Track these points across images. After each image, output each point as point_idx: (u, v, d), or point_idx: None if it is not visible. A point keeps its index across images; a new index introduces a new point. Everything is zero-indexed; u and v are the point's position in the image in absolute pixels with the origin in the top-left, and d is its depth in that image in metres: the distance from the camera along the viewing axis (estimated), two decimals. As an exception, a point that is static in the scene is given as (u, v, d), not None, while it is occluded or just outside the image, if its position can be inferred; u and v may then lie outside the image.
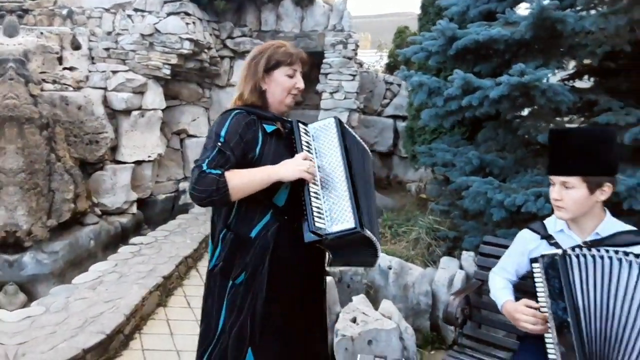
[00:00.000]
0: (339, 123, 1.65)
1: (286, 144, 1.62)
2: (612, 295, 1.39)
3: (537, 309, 1.54)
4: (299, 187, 1.53)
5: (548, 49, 3.18)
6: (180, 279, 3.92)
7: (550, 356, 1.50)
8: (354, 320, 2.28)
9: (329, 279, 2.60)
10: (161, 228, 5.03)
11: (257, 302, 1.53)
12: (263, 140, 1.56)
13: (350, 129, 1.71)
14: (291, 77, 1.62)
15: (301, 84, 1.65)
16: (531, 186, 2.79)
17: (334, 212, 1.47)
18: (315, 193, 1.51)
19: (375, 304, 2.69)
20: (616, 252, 1.39)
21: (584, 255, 1.43)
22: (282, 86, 1.61)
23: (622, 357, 1.37)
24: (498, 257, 1.97)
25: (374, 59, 9.45)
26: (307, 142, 1.63)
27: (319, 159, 1.59)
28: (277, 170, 1.49)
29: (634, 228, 1.60)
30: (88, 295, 3.24)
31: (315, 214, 1.45)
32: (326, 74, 6.31)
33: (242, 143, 1.51)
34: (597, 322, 1.41)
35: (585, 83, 3.83)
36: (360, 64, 7.46)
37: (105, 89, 5.30)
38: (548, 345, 1.50)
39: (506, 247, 1.95)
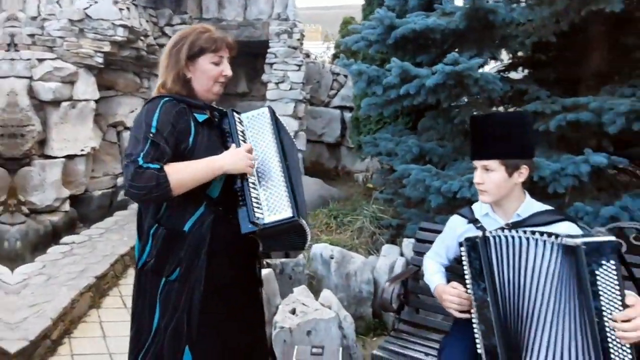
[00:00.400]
0: (273, 112, 1.64)
1: (218, 133, 1.57)
2: (523, 273, 1.43)
3: (466, 291, 1.57)
4: (233, 178, 1.50)
5: (482, 40, 3.27)
6: (116, 278, 3.72)
7: (475, 334, 1.54)
8: (293, 312, 2.25)
9: (268, 270, 2.55)
10: (96, 226, 4.77)
11: (194, 297, 1.48)
12: (196, 130, 1.49)
13: (280, 119, 1.68)
14: (217, 64, 1.54)
15: (228, 72, 1.58)
16: (467, 173, 2.86)
17: (271, 202, 1.48)
18: (253, 183, 1.50)
19: (318, 294, 2.67)
20: (531, 232, 1.43)
21: (500, 237, 1.47)
22: (208, 74, 1.53)
23: (535, 331, 1.42)
24: (433, 243, 2.00)
25: (322, 50, 9.44)
26: (242, 132, 1.60)
27: (255, 149, 1.56)
28: (222, 162, 1.45)
29: (551, 208, 1.67)
30: (11, 300, 3.00)
31: (254, 204, 1.44)
32: (271, 64, 6.22)
33: (175, 133, 1.43)
34: (513, 300, 1.45)
35: (519, 74, 3.99)
36: (307, 55, 7.41)
37: (30, 78, 4.93)
38: (474, 325, 1.54)
39: (441, 232, 1.98)
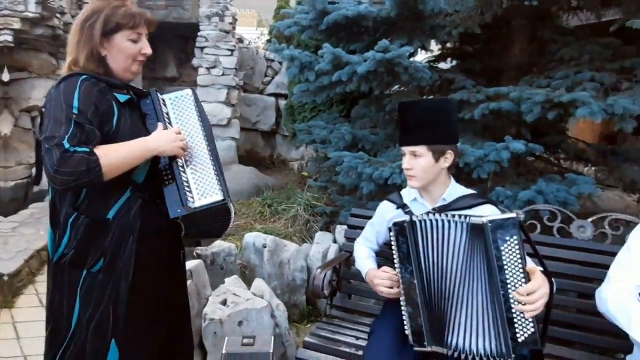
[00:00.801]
0: (194, 92, 1.59)
1: (140, 114, 1.49)
2: (445, 254, 1.48)
3: (395, 274, 1.60)
4: (158, 161, 1.44)
5: (412, 29, 3.33)
6: (31, 275, 3.44)
7: (403, 316, 1.57)
8: (224, 303, 2.18)
9: (197, 262, 2.45)
10: (9, 219, 4.36)
11: (121, 288, 1.40)
12: (119, 111, 1.39)
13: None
14: (135, 41, 1.43)
15: (148, 50, 1.48)
16: (397, 159, 2.91)
17: (200, 185, 1.44)
18: (182, 167, 1.45)
19: (251, 283, 2.62)
20: (452, 215, 1.48)
21: (425, 220, 1.50)
22: (126, 53, 1.42)
23: (455, 309, 1.47)
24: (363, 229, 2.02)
25: (256, 36, 9.24)
26: (166, 114, 1.52)
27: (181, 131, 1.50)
28: (156, 144, 1.38)
29: (474, 192, 1.74)
30: None
31: (185, 188, 1.40)
32: (202, 48, 5.98)
33: (99, 114, 1.33)
34: (436, 281, 1.50)
35: (447, 65, 4.13)
36: (240, 39, 7.21)
37: None
38: (402, 307, 1.57)
39: (372, 218, 2.00)
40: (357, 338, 1.90)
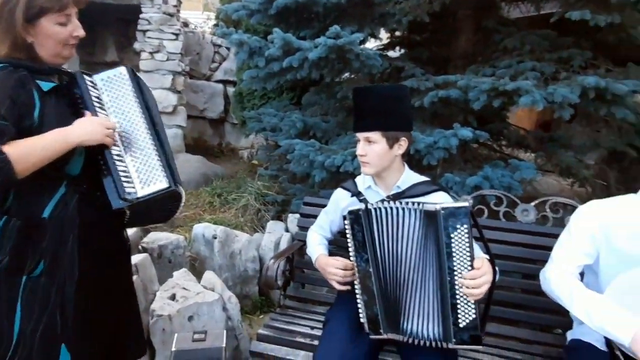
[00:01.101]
0: (132, 72, 1.46)
1: (69, 102, 1.35)
2: (399, 241, 1.48)
3: (351, 264, 1.59)
4: (96, 151, 1.32)
5: (362, 16, 3.32)
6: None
7: (358, 305, 1.57)
8: (173, 298, 2.09)
9: (143, 255, 2.33)
10: None
11: (66, 289, 1.30)
12: (41, 102, 1.25)
13: (141, 78, 1.50)
14: (64, 24, 1.29)
15: (80, 32, 1.34)
16: (349, 147, 2.91)
17: (143, 173, 1.36)
18: (118, 155, 1.34)
19: (201, 276, 2.54)
20: (406, 202, 1.48)
21: (381, 208, 1.50)
22: (55, 38, 1.29)
23: (409, 295, 1.49)
24: (317, 217, 1.99)
25: (202, 20, 8.91)
26: (97, 98, 1.39)
27: (116, 115, 1.39)
28: (73, 135, 1.25)
29: (427, 179, 1.75)
30: None
31: (123, 179, 1.31)
32: (144, 31, 5.67)
33: (16, 108, 1.19)
34: (391, 268, 1.50)
35: (396, 53, 4.17)
36: (185, 23, 6.91)
37: None
38: (357, 296, 1.56)
39: (325, 206, 1.97)
40: (312, 328, 1.88)
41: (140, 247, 2.56)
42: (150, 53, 5.68)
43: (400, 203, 1.47)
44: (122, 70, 1.44)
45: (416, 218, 1.45)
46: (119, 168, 1.32)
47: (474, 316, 1.41)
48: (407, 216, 1.46)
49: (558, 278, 1.54)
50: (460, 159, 2.96)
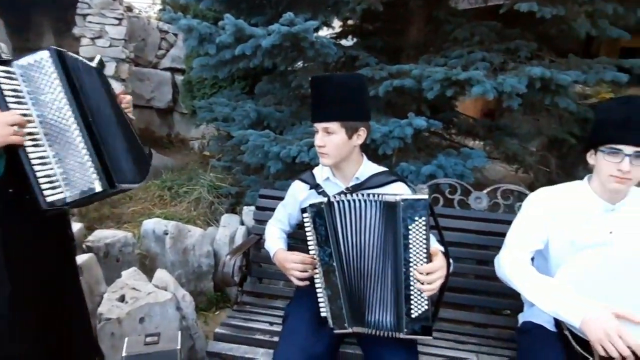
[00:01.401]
0: (58, 54, 1.28)
1: None
2: (362, 234, 1.47)
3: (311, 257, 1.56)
4: (14, 151, 1.20)
5: (316, 4, 3.25)
6: None
7: (319, 299, 1.54)
8: (122, 299, 1.98)
9: (88, 255, 2.19)
10: None
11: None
12: None
13: (76, 56, 1.35)
14: None
15: None
16: (305, 137, 2.86)
17: (71, 175, 1.23)
18: (41, 157, 1.21)
19: (153, 274, 2.43)
20: (367, 194, 1.47)
21: (343, 201, 1.47)
22: None
23: (371, 287, 1.49)
24: (274, 210, 1.94)
25: (147, 4, 8.49)
26: (13, 90, 1.23)
27: (37, 108, 1.23)
28: None
29: (386, 169, 1.74)
30: None
31: (44, 185, 1.19)
32: (84, 16, 5.31)
33: None
34: (355, 261, 1.49)
35: (349, 42, 4.14)
36: (129, 8, 6.55)
37: None
38: (318, 291, 1.54)
39: (282, 198, 1.92)
40: (272, 324, 1.84)
41: (84, 246, 2.40)
42: (91, 39, 5.34)
43: (362, 195, 1.45)
44: (43, 54, 1.27)
45: (377, 209, 1.43)
46: (40, 173, 1.20)
47: (426, 307, 1.43)
48: (369, 208, 1.44)
49: (511, 264, 1.59)
50: (415, 148, 2.99)
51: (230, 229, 2.78)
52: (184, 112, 6.16)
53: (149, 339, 1.70)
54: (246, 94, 4.41)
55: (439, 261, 1.40)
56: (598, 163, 1.52)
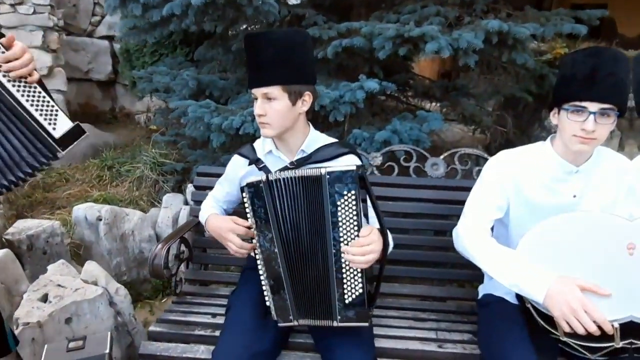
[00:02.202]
0: None
1: None
2: (296, 213, 1.31)
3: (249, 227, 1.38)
4: None
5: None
6: None
7: (264, 289, 1.38)
8: (44, 299, 1.75)
9: (4, 251, 1.93)
10: None
11: None
12: None
13: None
14: None
15: None
16: (249, 106, 2.63)
17: None
18: None
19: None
20: (307, 169, 1.30)
21: (279, 179, 1.30)
22: None
23: (312, 274, 1.33)
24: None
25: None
26: None
27: None
28: None
29: (335, 140, 1.56)
30: None
31: None
32: (0, -22, 4.73)
33: None
34: (295, 246, 1.33)
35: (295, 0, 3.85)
36: (55, -31, 5.92)
37: None
38: (261, 277, 1.38)
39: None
40: (214, 315, 1.66)
41: (3, 239, 2.13)
42: (12, 5, 4.77)
43: (296, 171, 1.27)
44: None
45: (302, 185, 1.27)
46: None
47: (360, 291, 1.28)
48: (296, 184, 1.28)
49: (469, 236, 1.47)
50: (368, 113, 2.82)
51: (172, 210, 2.56)
52: (127, 84, 5.72)
53: (72, 345, 1.50)
54: (190, 62, 4.07)
55: (372, 235, 1.23)
56: (561, 123, 1.40)
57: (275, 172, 1.34)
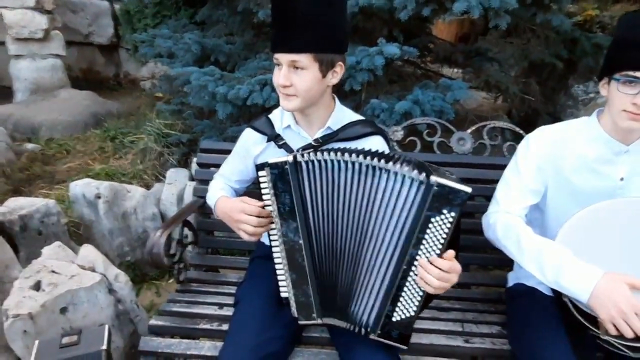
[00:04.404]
0: None
1: None
2: (335, 204, 1.14)
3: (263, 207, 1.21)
4: None
5: None
6: None
7: (279, 278, 1.23)
8: (37, 287, 1.61)
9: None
10: None
11: None
12: None
13: None
14: None
15: None
16: (258, 73, 2.42)
17: None
18: None
19: (90, 243, 2.07)
20: (340, 152, 1.12)
21: (313, 162, 1.12)
22: None
23: (347, 270, 1.18)
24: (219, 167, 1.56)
25: None
26: None
27: None
28: None
29: (362, 118, 1.38)
30: None
31: None
32: None
33: None
34: (326, 239, 1.17)
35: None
36: None
37: None
38: (277, 269, 1.22)
39: (229, 152, 1.53)
40: (221, 306, 1.52)
41: (-8, 219, 1.99)
42: (3, -37, 4.50)
43: (335, 153, 1.11)
44: None
45: (356, 175, 1.09)
46: None
47: (412, 313, 1.14)
48: (344, 171, 1.11)
49: (502, 225, 1.31)
50: (386, 81, 2.60)
51: (177, 187, 2.40)
52: (130, 49, 5.48)
53: (66, 340, 1.37)
54: (195, 24, 3.83)
55: (456, 265, 1.06)
56: (611, 95, 1.21)
57: (303, 153, 1.15)
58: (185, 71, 2.40)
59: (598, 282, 1.07)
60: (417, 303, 1.12)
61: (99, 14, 5.66)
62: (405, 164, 1.07)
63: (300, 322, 1.25)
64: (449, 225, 1.03)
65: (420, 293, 1.11)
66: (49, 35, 4.53)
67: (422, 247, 1.06)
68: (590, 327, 1.15)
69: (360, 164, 1.09)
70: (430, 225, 1.03)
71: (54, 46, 4.59)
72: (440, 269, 1.04)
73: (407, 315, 1.14)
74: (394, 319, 1.15)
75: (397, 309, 1.14)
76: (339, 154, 1.11)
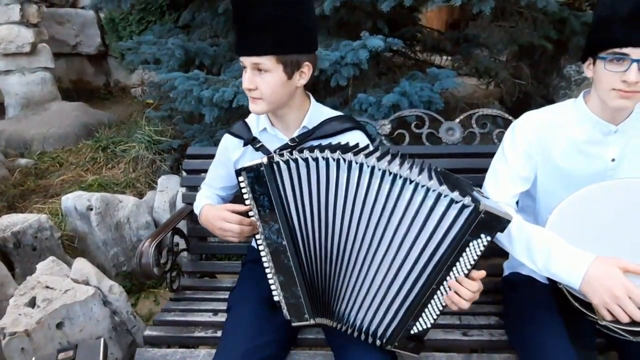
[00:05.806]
0: None
1: None
2: (328, 203, 1.12)
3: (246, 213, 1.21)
4: None
5: None
6: None
7: (271, 284, 1.22)
8: (32, 303, 1.61)
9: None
10: None
11: None
12: None
13: None
14: None
15: None
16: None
17: None
18: None
19: (85, 256, 2.07)
20: (326, 150, 1.10)
21: (294, 160, 1.10)
22: None
23: (345, 273, 1.17)
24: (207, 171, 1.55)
25: None
26: None
27: None
28: None
29: (340, 113, 1.36)
30: None
31: None
32: (-30, -51, 4.41)
33: None
34: (316, 239, 1.15)
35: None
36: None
37: None
38: (267, 271, 1.21)
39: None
40: (216, 313, 1.52)
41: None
42: (-15, -21, 4.47)
43: (321, 151, 1.09)
44: None
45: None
46: None
47: (429, 326, 1.14)
48: (335, 169, 1.09)
49: None
50: (373, 74, 2.57)
51: (169, 194, 2.39)
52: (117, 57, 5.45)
53: (62, 356, 1.36)
54: (180, 29, 3.80)
55: (480, 284, 1.07)
56: (597, 75, 1.18)
57: (277, 152, 1.15)
58: (170, 76, 2.38)
59: (589, 267, 1.05)
60: (435, 317, 1.13)
61: (85, 24, 5.63)
62: (417, 171, 1.07)
63: (293, 324, 1.24)
64: (482, 248, 1.03)
65: (441, 307, 1.12)
66: (37, 48, 4.51)
67: (454, 268, 1.06)
68: (588, 313, 1.13)
69: (350, 162, 1.07)
70: (467, 249, 1.03)
71: (42, 59, 4.57)
72: (469, 289, 1.05)
73: (426, 327, 1.14)
74: (412, 331, 1.15)
75: (418, 323, 1.14)
76: (316, 151, 1.09)
